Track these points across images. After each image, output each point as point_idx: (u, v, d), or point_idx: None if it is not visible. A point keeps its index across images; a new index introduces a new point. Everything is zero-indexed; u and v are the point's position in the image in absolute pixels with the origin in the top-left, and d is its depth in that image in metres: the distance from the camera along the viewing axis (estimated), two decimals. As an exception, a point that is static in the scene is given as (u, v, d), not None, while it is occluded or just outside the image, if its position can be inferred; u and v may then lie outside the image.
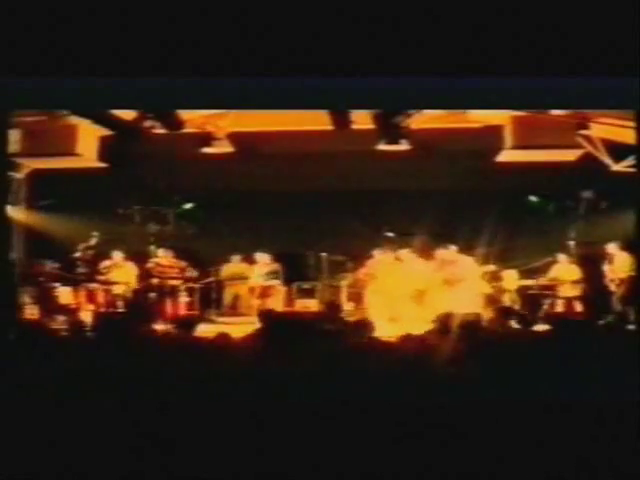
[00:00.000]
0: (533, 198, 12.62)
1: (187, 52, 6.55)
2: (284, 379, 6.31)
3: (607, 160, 11.80)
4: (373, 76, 6.56)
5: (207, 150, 12.28)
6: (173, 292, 12.21)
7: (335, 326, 7.96)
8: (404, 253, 12.13)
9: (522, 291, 12.00)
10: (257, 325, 7.65)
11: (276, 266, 12.83)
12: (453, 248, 11.99)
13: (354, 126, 11.76)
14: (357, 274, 12.42)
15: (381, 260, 12.25)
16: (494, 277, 12.08)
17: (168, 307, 11.99)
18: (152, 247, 12.51)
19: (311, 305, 12.24)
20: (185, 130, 11.87)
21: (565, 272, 11.93)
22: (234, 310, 12.79)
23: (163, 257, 12.41)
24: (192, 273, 12.52)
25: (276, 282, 12.73)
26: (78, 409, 6.20)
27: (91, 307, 11.84)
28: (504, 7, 6.48)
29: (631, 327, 7.84)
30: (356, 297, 12.34)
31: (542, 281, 11.98)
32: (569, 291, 11.77)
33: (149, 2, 6.54)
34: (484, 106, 8.48)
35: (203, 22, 6.53)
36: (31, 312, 11.08)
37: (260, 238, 12.92)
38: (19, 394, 6.28)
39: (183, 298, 12.37)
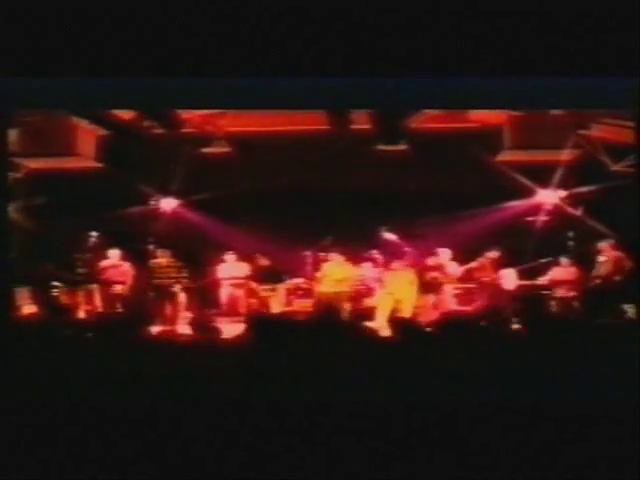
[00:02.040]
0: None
1: (185, 52, 6.55)
2: (275, 379, 6.31)
3: (606, 160, 11.81)
4: (372, 76, 6.56)
5: (206, 150, 12.27)
6: (171, 292, 12.17)
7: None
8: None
9: (521, 291, 11.99)
10: (249, 326, 7.67)
11: (274, 266, 12.83)
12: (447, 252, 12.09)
13: (353, 126, 11.76)
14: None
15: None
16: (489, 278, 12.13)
17: (166, 307, 11.96)
18: (150, 247, 12.48)
19: (309, 305, 12.23)
20: (184, 130, 11.86)
21: (564, 273, 11.92)
22: (231, 310, 12.75)
23: (161, 257, 12.37)
24: (190, 273, 12.49)
25: (274, 283, 12.72)
26: (78, 410, 6.19)
27: (89, 307, 11.82)
28: (504, 7, 6.48)
29: (631, 327, 7.83)
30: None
31: (541, 281, 11.97)
32: (568, 292, 11.76)
33: (148, 2, 6.53)
34: (483, 106, 8.49)
35: (202, 22, 6.53)
36: (29, 312, 11.05)
37: (258, 238, 12.91)
38: (17, 394, 6.26)
39: (181, 298, 12.34)
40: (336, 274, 12.07)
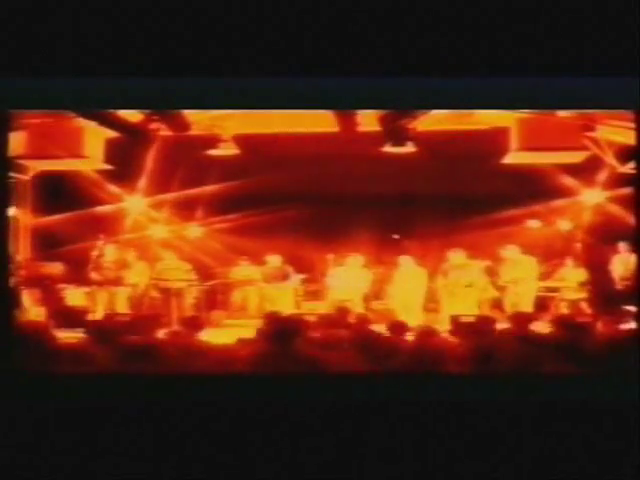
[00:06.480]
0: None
1: (193, 52, 6.56)
2: (286, 382, 6.30)
3: (613, 162, 11.78)
4: (379, 77, 6.55)
5: (213, 152, 12.28)
6: (180, 294, 12.18)
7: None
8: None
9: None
10: (261, 327, 7.65)
11: (285, 268, 12.83)
12: (461, 253, 12.04)
13: (360, 128, 11.73)
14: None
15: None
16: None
17: (175, 309, 11.98)
18: (159, 249, 12.52)
19: (318, 308, 12.22)
20: (191, 132, 11.87)
21: (571, 275, 11.91)
22: (242, 313, 12.76)
23: (170, 259, 12.40)
24: (200, 276, 12.51)
25: (285, 284, 12.72)
26: (83, 412, 6.22)
27: (98, 308, 11.84)
28: (506, 7, 6.48)
29: (631, 327, 7.80)
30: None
31: (548, 284, 11.96)
32: (575, 294, 11.75)
33: (157, 1, 6.54)
34: (484, 107, 8.44)
35: (209, 21, 6.54)
36: (37, 314, 11.09)
37: (266, 240, 12.92)
38: (21, 395, 6.28)
39: (190, 300, 12.35)
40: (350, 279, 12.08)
